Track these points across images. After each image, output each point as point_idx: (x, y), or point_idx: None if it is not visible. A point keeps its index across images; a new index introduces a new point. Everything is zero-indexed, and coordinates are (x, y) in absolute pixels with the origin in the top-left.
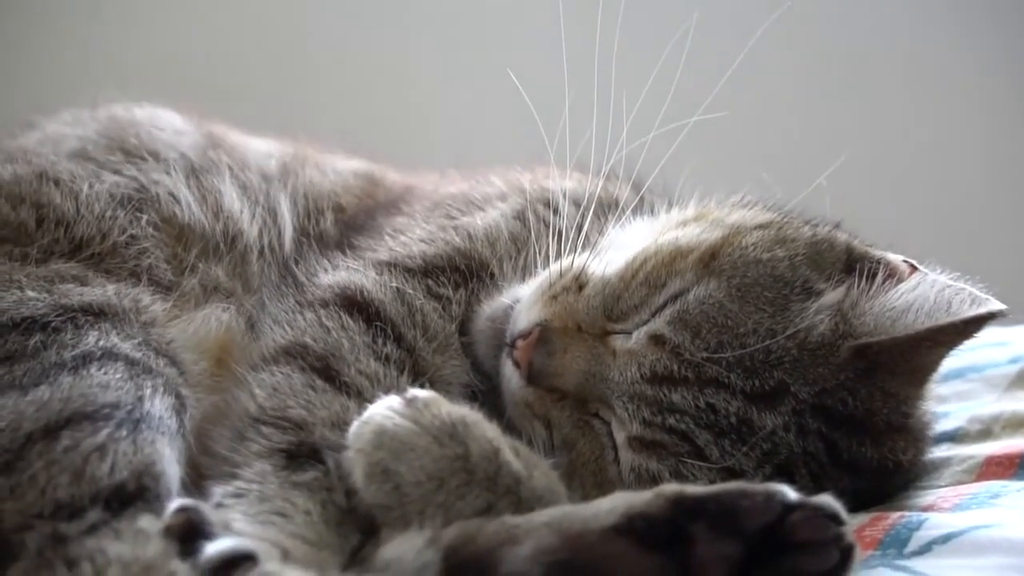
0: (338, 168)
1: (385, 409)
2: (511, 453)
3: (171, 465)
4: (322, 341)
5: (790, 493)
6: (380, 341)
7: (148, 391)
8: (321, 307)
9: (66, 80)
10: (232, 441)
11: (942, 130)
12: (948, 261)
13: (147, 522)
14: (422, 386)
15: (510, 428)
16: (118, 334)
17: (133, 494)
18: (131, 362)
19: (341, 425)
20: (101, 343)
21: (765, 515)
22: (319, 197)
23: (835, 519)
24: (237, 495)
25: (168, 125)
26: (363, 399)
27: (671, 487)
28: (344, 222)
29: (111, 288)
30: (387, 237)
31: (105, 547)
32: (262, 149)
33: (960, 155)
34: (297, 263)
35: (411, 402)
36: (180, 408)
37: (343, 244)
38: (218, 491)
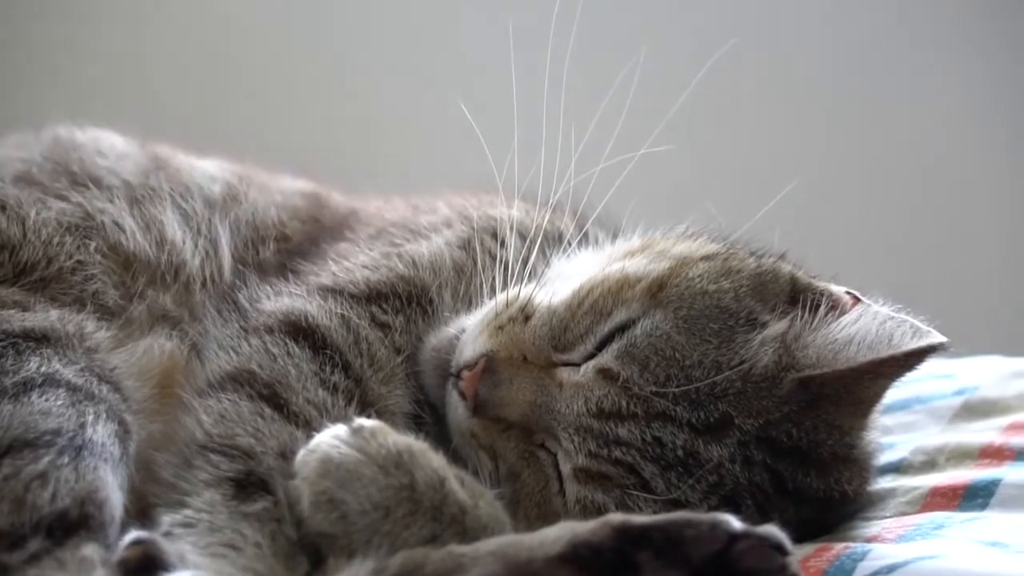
0: (284, 189)
1: (331, 438)
2: (456, 483)
3: (115, 492)
4: (268, 368)
5: (735, 523)
6: (328, 369)
7: (91, 417)
8: (266, 333)
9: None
10: (178, 468)
11: (887, 162)
12: (892, 292)
13: (91, 550)
14: (369, 416)
15: (456, 458)
16: (60, 360)
17: (76, 522)
18: (73, 388)
19: (289, 455)
20: (43, 369)
21: (710, 544)
22: (263, 226)
23: (780, 549)
24: (186, 525)
25: (110, 150)
26: (311, 429)
27: (617, 516)
28: (287, 251)
29: (54, 314)
30: (330, 262)
31: None
32: (207, 172)
33: (903, 187)
34: (239, 290)
35: (357, 431)
36: (124, 435)
37: (285, 270)
38: (166, 519)
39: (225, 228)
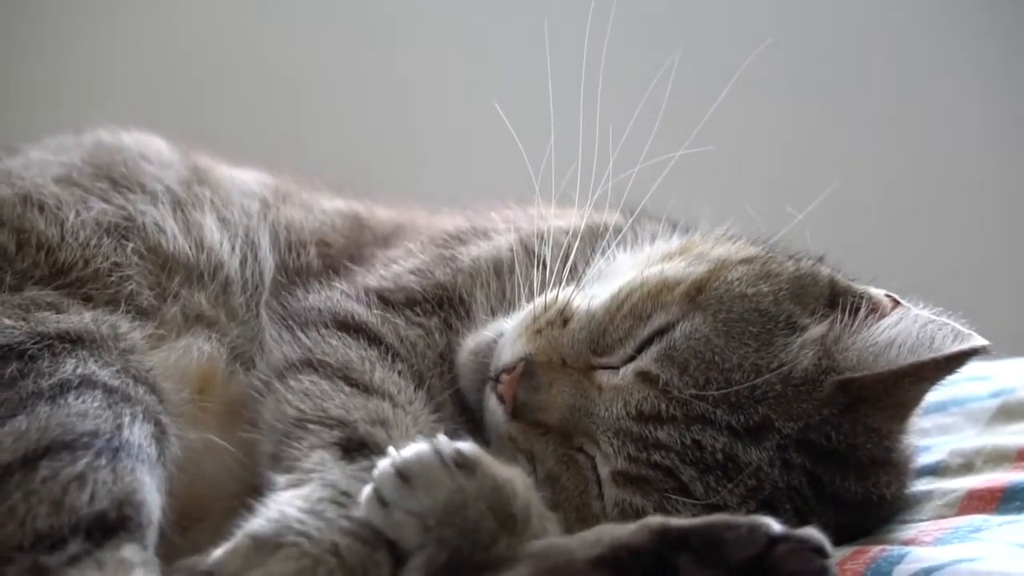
0: (324, 208)
1: (440, 471)
2: (537, 517)
3: (152, 494)
4: (333, 356)
5: (775, 525)
6: (390, 358)
7: (127, 419)
8: (322, 327)
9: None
10: (279, 442)
11: (926, 164)
12: (930, 295)
13: (130, 552)
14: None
15: None
16: (96, 361)
17: (115, 524)
18: (109, 390)
19: (381, 422)
20: (79, 371)
21: (750, 547)
22: (302, 232)
23: (820, 552)
24: (300, 482)
25: (155, 156)
26: (395, 403)
27: (656, 519)
28: (330, 256)
29: (88, 315)
30: (379, 266)
31: None
32: (247, 185)
33: (942, 190)
34: (285, 291)
35: (466, 467)
36: (160, 436)
37: (328, 273)
38: (281, 480)
39: (264, 233)
